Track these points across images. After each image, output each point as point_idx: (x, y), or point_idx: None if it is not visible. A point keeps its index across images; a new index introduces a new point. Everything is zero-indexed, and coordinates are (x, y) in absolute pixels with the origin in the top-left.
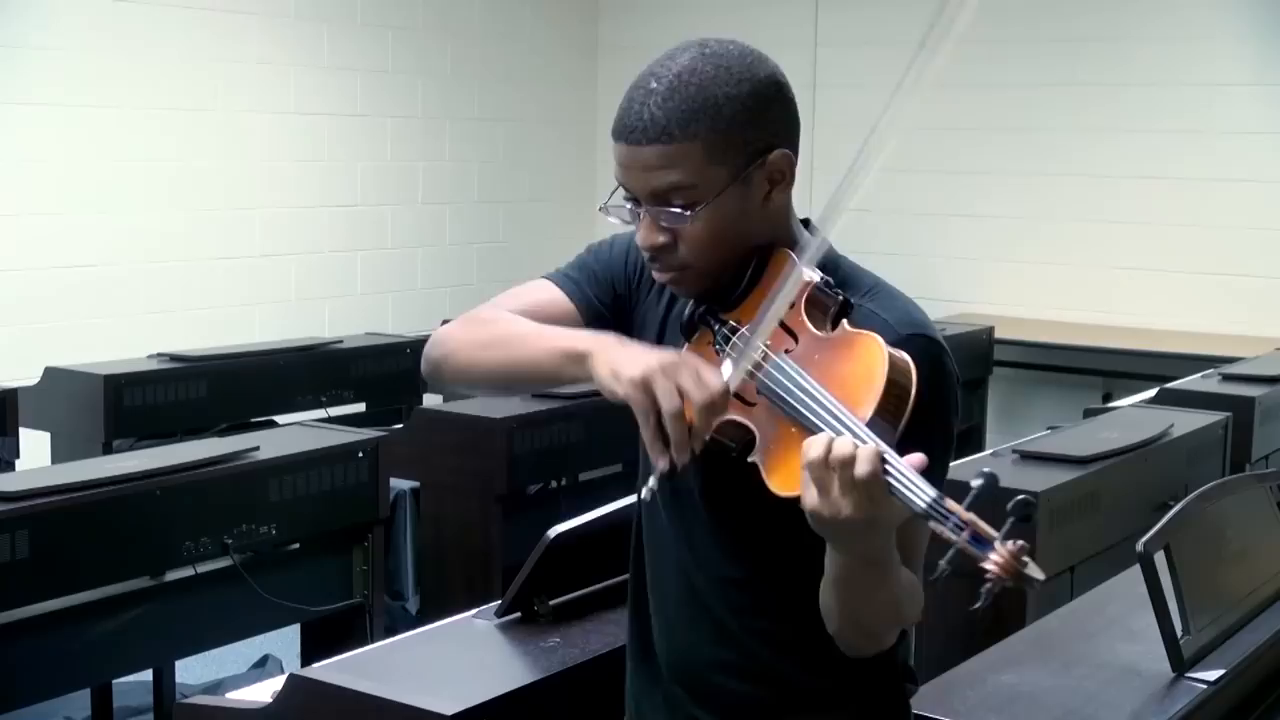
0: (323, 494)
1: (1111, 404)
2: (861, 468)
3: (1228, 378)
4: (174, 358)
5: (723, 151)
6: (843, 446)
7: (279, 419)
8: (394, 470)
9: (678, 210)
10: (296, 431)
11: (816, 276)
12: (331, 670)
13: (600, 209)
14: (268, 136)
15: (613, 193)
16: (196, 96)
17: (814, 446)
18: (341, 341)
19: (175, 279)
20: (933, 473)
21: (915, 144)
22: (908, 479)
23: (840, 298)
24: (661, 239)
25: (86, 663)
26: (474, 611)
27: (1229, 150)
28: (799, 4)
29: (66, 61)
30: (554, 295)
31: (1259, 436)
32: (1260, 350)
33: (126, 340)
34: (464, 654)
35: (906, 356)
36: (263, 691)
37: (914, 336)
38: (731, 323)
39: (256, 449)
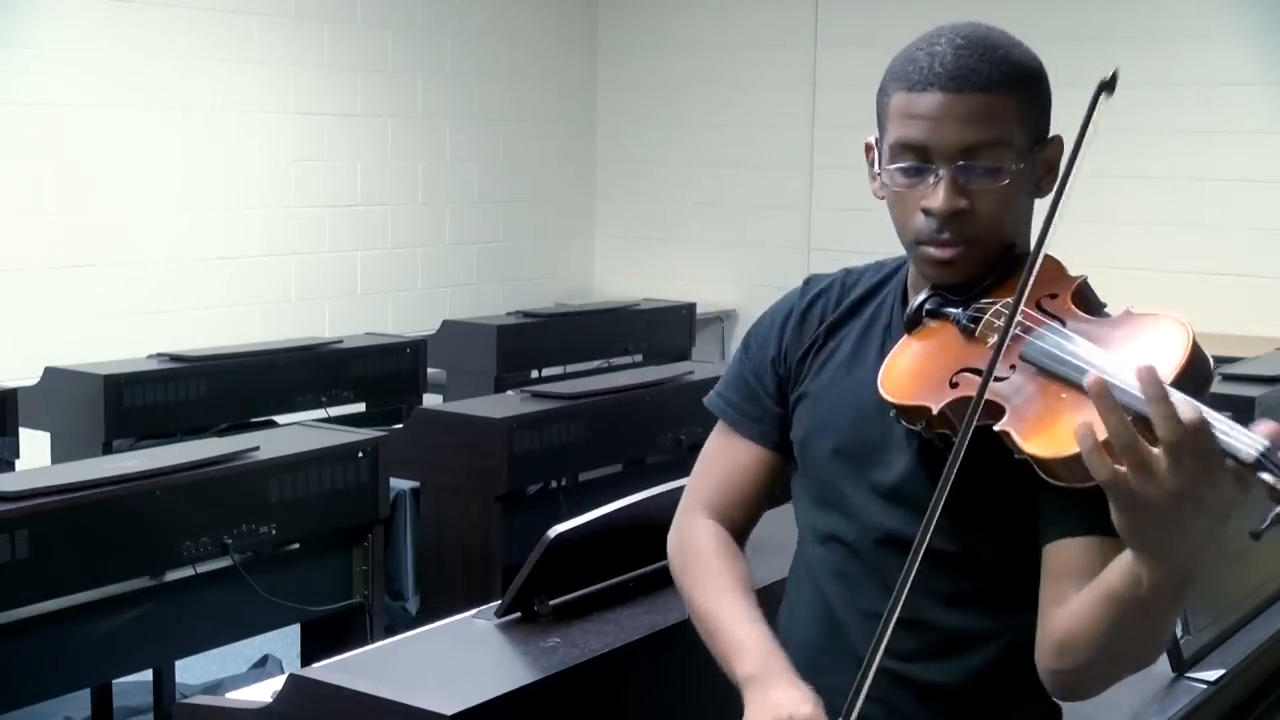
0: (323, 494)
1: None
2: (1185, 414)
3: (1228, 378)
4: (174, 358)
5: (1029, 117)
6: (1189, 409)
7: (279, 419)
8: (394, 470)
9: (988, 166)
10: (296, 431)
11: (1081, 277)
12: (331, 670)
13: (873, 175)
14: (268, 136)
15: (881, 159)
16: (196, 96)
17: (1115, 423)
18: (341, 341)
19: (175, 279)
20: None
21: None
22: (1234, 429)
23: (1103, 304)
24: (962, 203)
25: (86, 663)
26: (474, 611)
27: (1229, 150)
28: (799, 4)
29: (66, 61)
30: (735, 450)
31: None
32: (1260, 350)
33: (126, 340)
34: (464, 654)
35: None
36: (263, 691)
37: None
38: (981, 303)
39: (256, 449)
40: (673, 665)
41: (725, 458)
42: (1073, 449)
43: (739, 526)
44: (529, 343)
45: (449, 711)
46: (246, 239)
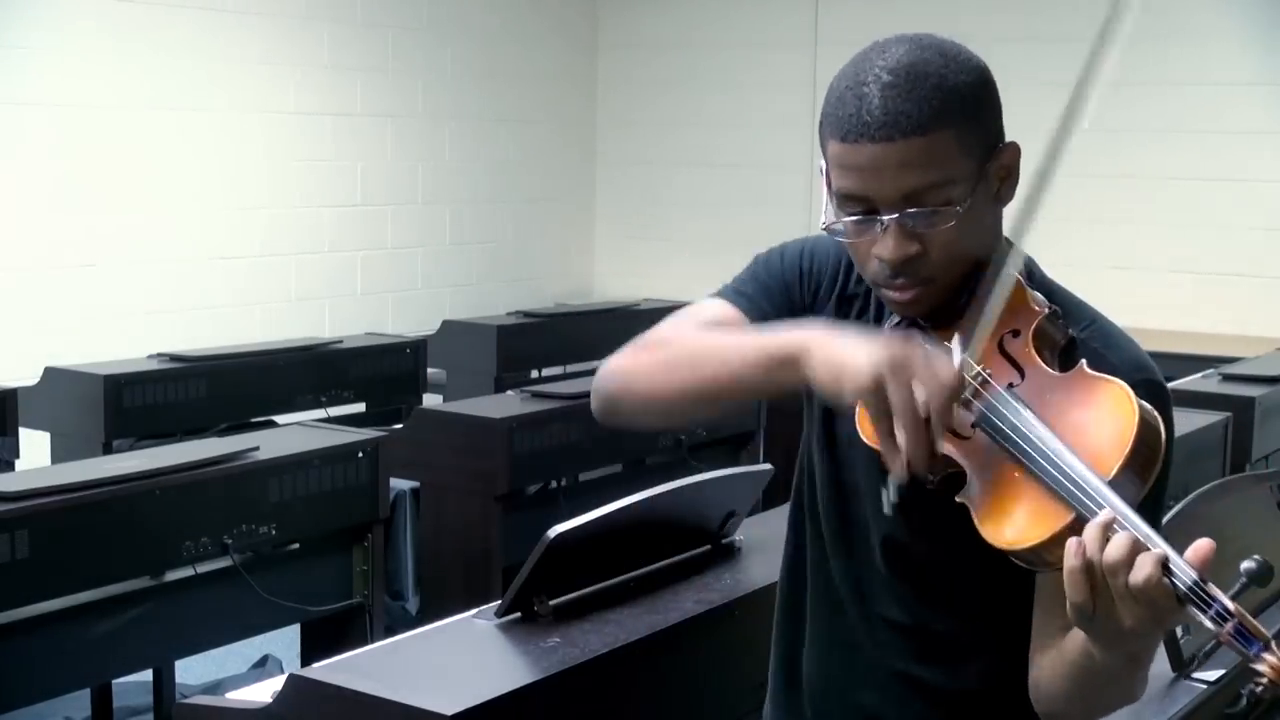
0: (323, 494)
1: None
2: (1139, 574)
3: (1228, 378)
4: (174, 358)
5: (971, 142)
6: (1119, 548)
7: (279, 419)
8: (394, 470)
9: (934, 210)
10: (296, 431)
11: (1045, 304)
12: (331, 670)
13: (824, 229)
14: (268, 136)
15: (826, 207)
16: (196, 96)
17: (1088, 541)
18: (341, 341)
19: (175, 279)
20: (1155, 526)
21: None
22: (1189, 578)
23: (1069, 334)
24: (913, 248)
25: (86, 663)
26: (474, 611)
27: (1229, 150)
28: (799, 4)
29: (66, 61)
30: (727, 313)
31: (1259, 436)
32: (1260, 350)
33: (126, 340)
34: (464, 654)
35: (1156, 414)
36: (263, 691)
37: (1147, 382)
38: (944, 344)
39: (256, 449)
40: (673, 665)
41: (714, 312)
42: (1026, 542)
43: None
44: (529, 343)
45: (449, 711)
46: (247, 239)
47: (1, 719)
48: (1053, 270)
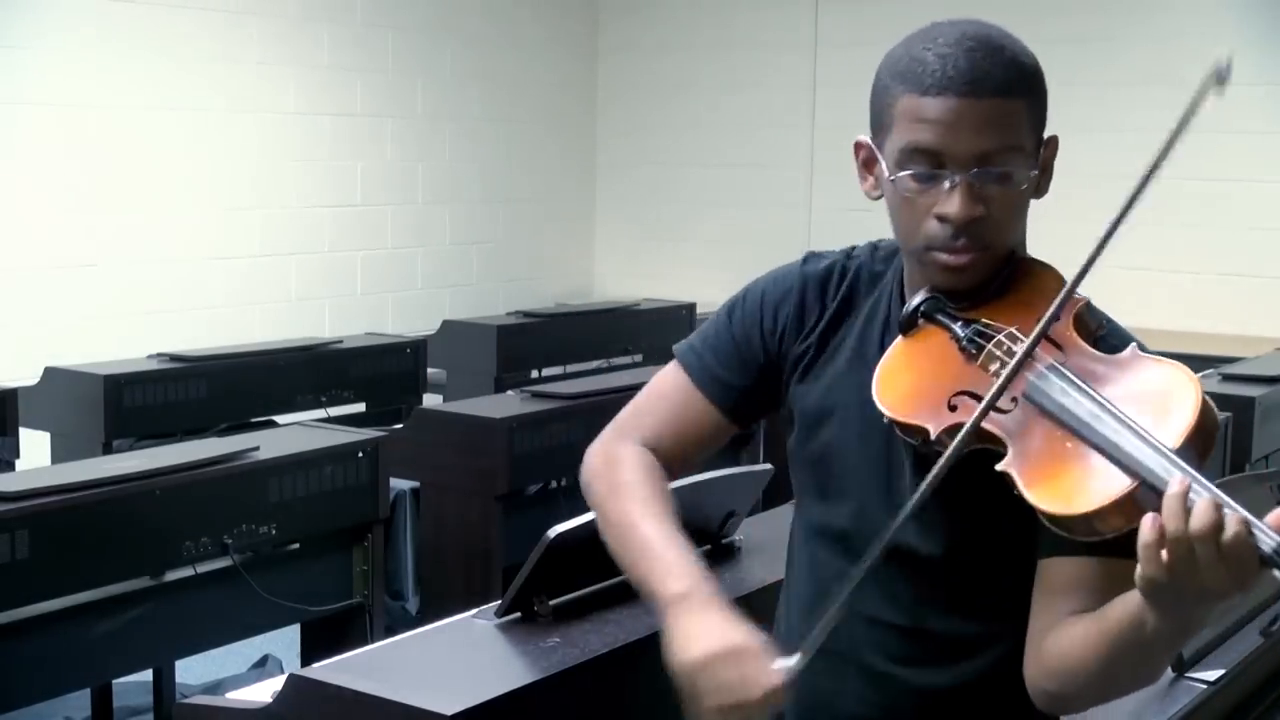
0: (323, 494)
1: None
2: (1229, 532)
3: (1228, 378)
4: (174, 358)
5: (1037, 120)
6: (1206, 511)
7: (279, 419)
8: (394, 470)
9: (1007, 172)
10: (296, 431)
11: (1083, 297)
12: (331, 670)
13: (891, 180)
14: (268, 137)
15: (892, 167)
16: (196, 96)
17: (1166, 514)
18: (341, 341)
19: (175, 279)
20: None
21: None
22: (1273, 540)
23: (1101, 325)
24: (979, 209)
25: (86, 663)
26: (474, 611)
27: (1229, 150)
28: (799, 4)
29: (66, 61)
30: (688, 396)
31: (1259, 436)
32: (1260, 350)
33: (126, 340)
34: (464, 654)
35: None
36: (263, 691)
37: None
38: (983, 320)
39: (256, 449)
40: None
41: (679, 404)
42: (1081, 508)
43: (672, 472)
44: (529, 343)
45: (449, 711)
46: (246, 239)
47: (2, 719)
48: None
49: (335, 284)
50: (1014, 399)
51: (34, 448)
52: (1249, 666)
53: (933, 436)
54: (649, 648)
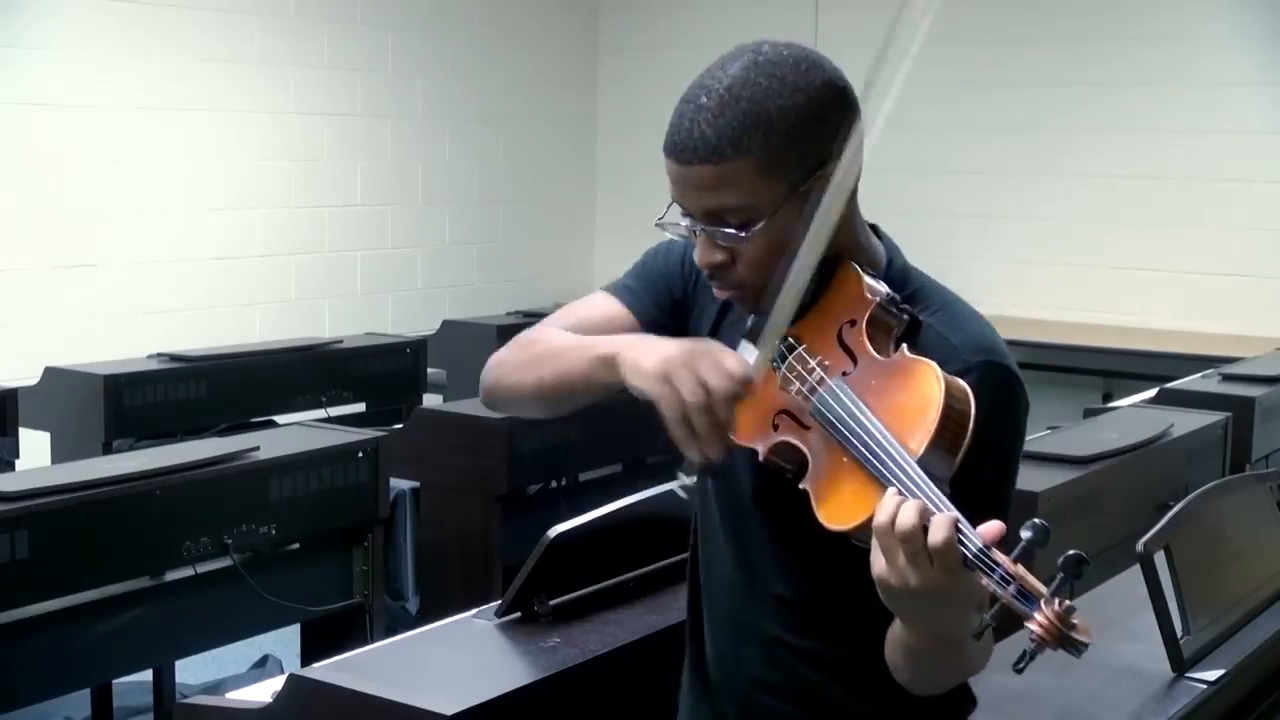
0: (323, 494)
1: (1111, 404)
2: (935, 535)
3: (1228, 378)
4: (174, 358)
5: (777, 168)
6: (908, 514)
7: (279, 419)
8: (394, 470)
9: (732, 230)
10: (296, 431)
11: (881, 292)
12: (331, 670)
13: (656, 224)
14: (268, 137)
15: (668, 208)
16: (196, 97)
17: (881, 510)
18: (341, 341)
19: (175, 279)
20: (995, 504)
21: (916, 144)
22: (975, 545)
23: (907, 317)
24: (719, 257)
25: (86, 663)
26: (474, 611)
27: (1229, 150)
28: (799, 4)
29: (66, 61)
30: (609, 307)
31: (1259, 436)
32: (1260, 350)
33: (126, 340)
34: (464, 654)
35: (964, 385)
36: (263, 691)
37: (984, 364)
38: (790, 339)
39: (256, 449)
40: (673, 665)
41: (602, 312)
42: (852, 521)
43: None
44: None
45: (449, 711)
46: (246, 239)
47: (2, 719)
48: (1052, 270)
49: (335, 284)
50: (812, 414)
51: (34, 448)
52: (1249, 666)
53: (760, 457)
54: (649, 648)
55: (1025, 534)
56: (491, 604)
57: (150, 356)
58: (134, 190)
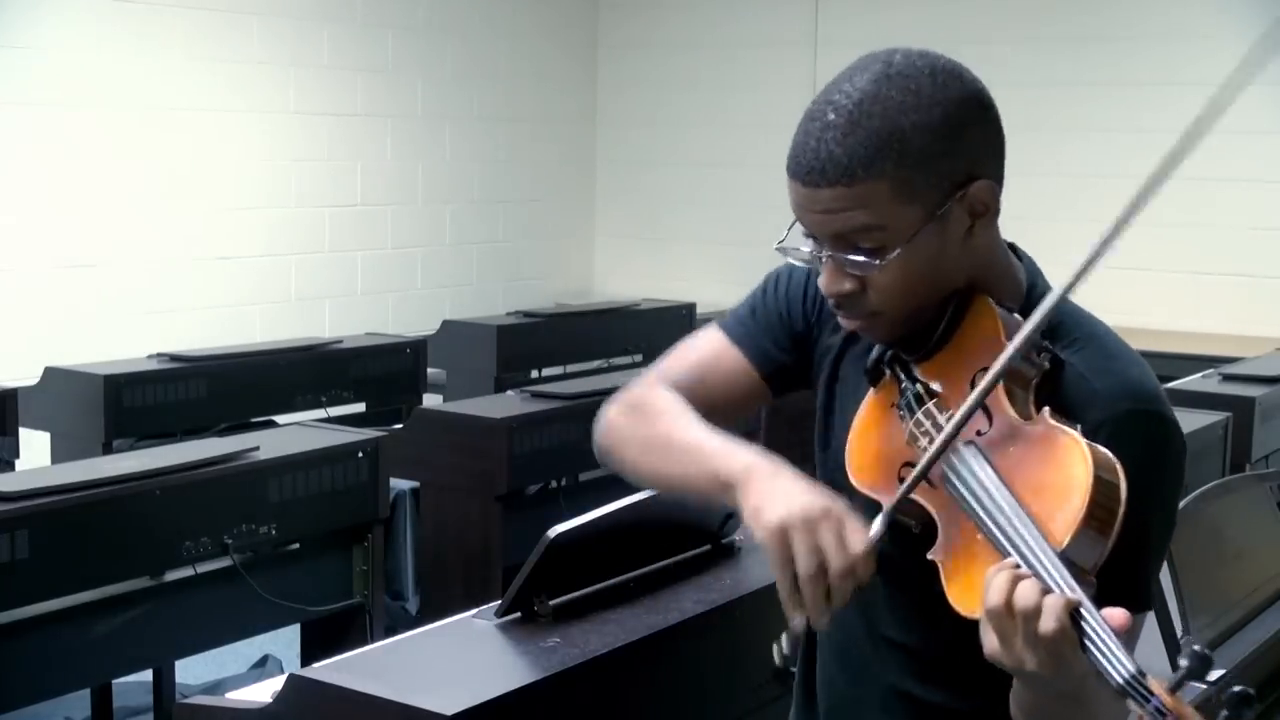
0: (323, 494)
1: None
2: (1047, 623)
3: (1228, 378)
4: (174, 358)
5: (914, 189)
6: (1027, 596)
7: (279, 419)
8: (394, 470)
9: (863, 258)
10: (296, 431)
11: (1021, 337)
12: (331, 670)
13: (777, 248)
14: (268, 136)
15: (789, 229)
16: (196, 96)
17: (993, 591)
18: (341, 341)
19: (175, 279)
20: (1147, 566)
21: None
22: (1105, 643)
23: (1047, 364)
24: (848, 285)
25: (86, 663)
26: (474, 611)
27: (1229, 150)
28: (799, 4)
29: (66, 61)
30: (724, 351)
31: (1259, 436)
32: (1260, 350)
33: (126, 340)
34: (464, 654)
35: (1113, 459)
36: (263, 691)
37: (1130, 413)
38: (921, 383)
39: (256, 449)
40: (673, 665)
41: (712, 357)
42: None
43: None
44: (529, 343)
45: (449, 711)
46: (247, 239)
47: (2, 719)
48: (1051, 270)
49: (335, 284)
50: (943, 476)
51: (34, 448)
52: (1249, 666)
53: (885, 509)
54: (649, 648)
55: (1183, 661)
56: (491, 604)
57: (150, 356)
58: (134, 190)
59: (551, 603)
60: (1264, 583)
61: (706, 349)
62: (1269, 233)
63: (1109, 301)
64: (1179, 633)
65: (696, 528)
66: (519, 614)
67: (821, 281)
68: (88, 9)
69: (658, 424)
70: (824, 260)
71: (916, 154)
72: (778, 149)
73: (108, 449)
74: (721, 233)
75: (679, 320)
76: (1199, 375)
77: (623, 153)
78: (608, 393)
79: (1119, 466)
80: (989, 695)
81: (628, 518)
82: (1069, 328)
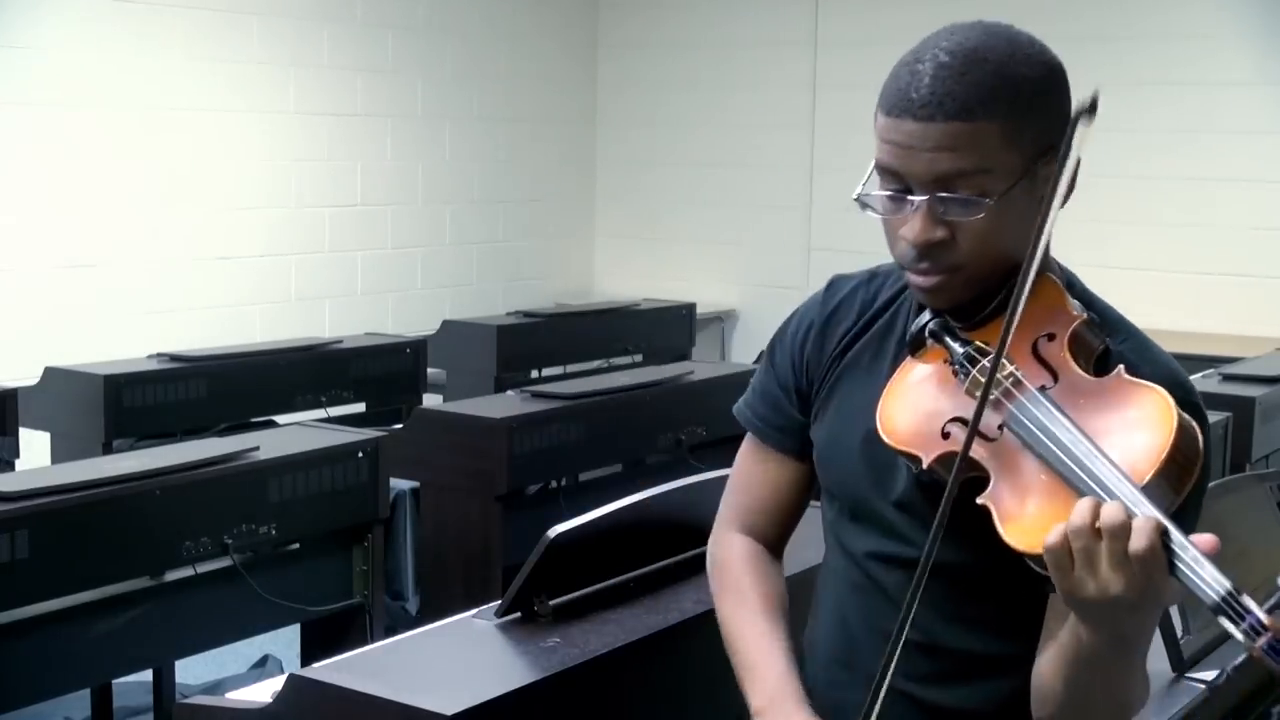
0: (323, 494)
1: None
2: (1139, 541)
3: (1228, 378)
4: (174, 358)
5: (1020, 137)
6: (1115, 513)
7: (279, 419)
8: (394, 470)
9: (966, 198)
10: (296, 431)
11: (1083, 312)
12: (331, 670)
13: (855, 198)
14: (267, 136)
15: (867, 177)
16: (196, 96)
17: (1078, 513)
18: (341, 341)
19: (175, 279)
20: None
21: None
22: (1197, 562)
23: (1104, 344)
24: (940, 233)
25: (86, 663)
26: (474, 611)
27: (1229, 150)
28: (799, 4)
29: (66, 61)
30: (761, 460)
31: (1259, 436)
32: (1260, 350)
33: (126, 340)
34: (464, 654)
35: (1194, 423)
36: (263, 691)
37: (1181, 402)
38: (979, 343)
39: (256, 449)
40: (673, 665)
41: (755, 471)
42: (1041, 549)
43: (771, 539)
44: (529, 343)
45: (449, 711)
46: (247, 239)
47: (2, 718)
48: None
49: (335, 284)
50: (1000, 426)
51: (34, 448)
52: (1249, 666)
53: (925, 465)
54: (649, 648)
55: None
56: (491, 604)
57: (150, 356)
58: (134, 190)
59: (551, 603)
60: (1264, 583)
61: (750, 466)
62: (1269, 233)
63: (1110, 302)
64: (1179, 633)
65: (696, 528)
66: (519, 614)
67: (910, 229)
68: (88, 9)
69: (723, 604)
70: (918, 206)
71: (1026, 103)
72: (778, 149)
73: (108, 449)
74: (721, 233)
75: (679, 320)
76: (1199, 375)
77: (623, 153)
78: (608, 392)
79: (1199, 435)
80: (983, 694)
81: (628, 518)
82: (1115, 324)
